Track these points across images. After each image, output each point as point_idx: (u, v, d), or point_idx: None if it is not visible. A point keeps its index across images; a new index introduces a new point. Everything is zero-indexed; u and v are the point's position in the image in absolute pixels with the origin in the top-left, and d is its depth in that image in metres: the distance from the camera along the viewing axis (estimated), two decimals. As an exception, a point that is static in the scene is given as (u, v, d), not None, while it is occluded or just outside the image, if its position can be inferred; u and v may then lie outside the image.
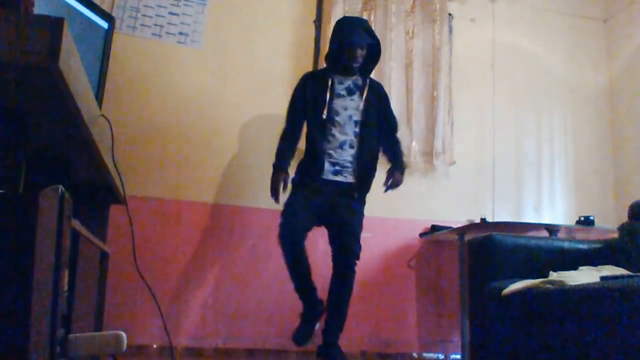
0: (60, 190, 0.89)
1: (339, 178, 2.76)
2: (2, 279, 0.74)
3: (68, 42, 0.78)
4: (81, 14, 1.58)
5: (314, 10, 3.68)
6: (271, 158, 3.26)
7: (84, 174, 1.45)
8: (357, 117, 2.81)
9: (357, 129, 2.80)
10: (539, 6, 4.16)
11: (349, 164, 2.78)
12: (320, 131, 2.77)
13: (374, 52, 2.90)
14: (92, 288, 1.61)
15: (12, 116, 0.92)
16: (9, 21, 0.74)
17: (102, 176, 1.43)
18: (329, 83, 2.81)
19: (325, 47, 3.52)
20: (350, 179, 2.78)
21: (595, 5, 4.30)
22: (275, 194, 2.75)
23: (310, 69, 3.53)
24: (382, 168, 3.67)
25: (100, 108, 1.40)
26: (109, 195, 1.72)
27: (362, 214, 2.84)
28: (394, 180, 2.85)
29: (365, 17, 3.70)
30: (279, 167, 2.77)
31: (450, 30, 3.88)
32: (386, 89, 3.62)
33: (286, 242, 2.65)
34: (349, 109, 2.81)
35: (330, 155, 2.77)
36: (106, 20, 1.72)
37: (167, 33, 3.37)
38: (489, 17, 4.03)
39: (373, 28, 3.66)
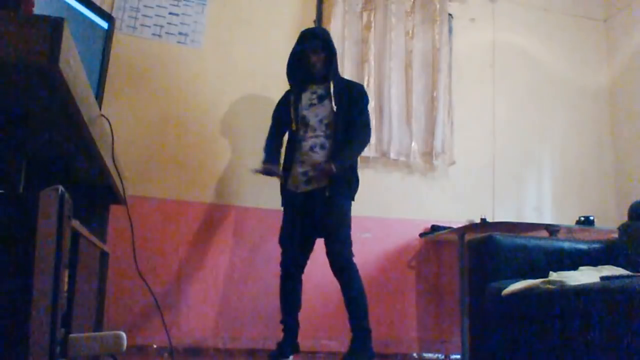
0: (60, 190, 0.89)
1: (311, 187, 2.75)
2: (3, 279, 0.74)
3: (68, 42, 0.78)
4: (81, 14, 1.58)
5: (314, 10, 3.68)
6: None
7: (84, 174, 1.45)
8: (327, 120, 2.79)
9: (328, 131, 2.78)
10: (539, 6, 4.16)
11: (320, 167, 2.73)
12: (292, 142, 2.83)
13: (331, 55, 2.89)
14: (92, 288, 1.61)
15: (12, 116, 0.92)
16: (9, 21, 0.74)
17: (102, 176, 1.43)
18: (294, 97, 2.86)
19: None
20: (323, 182, 2.73)
21: (595, 5, 4.30)
22: (267, 173, 2.79)
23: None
24: (376, 168, 3.67)
25: (100, 108, 1.40)
26: (109, 195, 1.72)
27: (343, 214, 2.73)
28: (322, 167, 2.69)
29: (364, 17, 3.71)
30: (264, 159, 2.83)
31: (450, 30, 3.88)
32: (386, 89, 3.64)
33: (284, 270, 2.78)
34: (319, 114, 2.81)
35: (301, 164, 2.77)
36: (106, 20, 1.72)
37: (167, 33, 3.37)
38: (489, 17, 4.03)
39: (373, 28, 3.68)
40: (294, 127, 2.82)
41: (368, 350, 2.61)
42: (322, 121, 2.80)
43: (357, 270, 2.68)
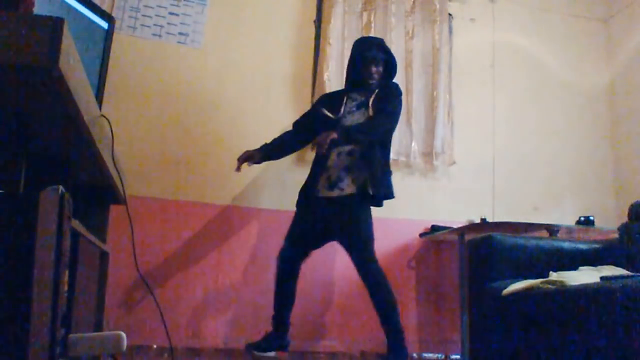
0: (60, 190, 0.89)
1: (334, 193, 2.73)
2: (2, 279, 0.74)
3: (68, 42, 0.78)
4: (81, 14, 1.58)
5: (314, 10, 3.68)
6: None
7: (84, 174, 1.45)
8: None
9: None
10: (539, 6, 4.16)
11: (344, 173, 2.73)
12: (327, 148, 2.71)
13: (390, 69, 2.91)
14: (92, 288, 1.61)
15: (12, 116, 0.92)
16: (9, 21, 0.74)
17: (102, 176, 1.43)
18: (344, 100, 2.84)
19: (325, 47, 3.53)
20: (348, 190, 2.72)
21: (595, 5, 4.30)
22: (238, 160, 2.82)
23: (310, 69, 3.53)
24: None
25: (100, 108, 1.40)
26: (109, 195, 1.72)
27: (366, 222, 2.73)
28: (320, 136, 2.61)
29: (364, 17, 3.71)
30: (260, 148, 2.87)
31: (450, 31, 3.88)
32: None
33: (281, 266, 2.79)
34: (354, 122, 2.79)
35: (327, 170, 2.77)
36: (106, 21, 1.72)
37: (167, 33, 3.37)
38: (489, 17, 4.03)
39: (373, 28, 3.68)
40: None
41: (404, 349, 2.64)
42: None
43: (383, 275, 2.67)
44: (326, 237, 2.82)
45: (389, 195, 2.80)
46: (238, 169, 2.82)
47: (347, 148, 2.75)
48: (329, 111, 2.83)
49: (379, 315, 2.67)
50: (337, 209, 2.72)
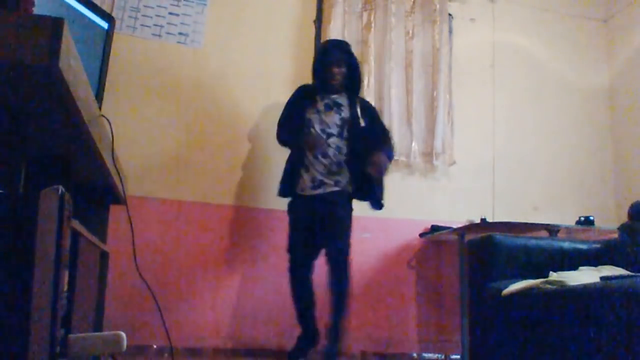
0: (60, 190, 0.89)
1: (318, 191, 2.82)
2: (2, 279, 0.74)
3: (68, 42, 0.78)
4: (81, 14, 1.58)
5: (314, 10, 3.68)
6: (271, 158, 3.27)
7: (84, 174, 1.45)
8: (336, 129, 2.87)
9: (342, 133, 2.87)
10: (539, 6, 4.16)
11: (328, 174, 2.82)
12: (300, 147, 2.87)
13: (353, 70, 2.97)
14: (92, 288, 1.61)
15: (12, 116, 0.92)
16: (9, 21, 0.74)
17: (102, 176, 1.43)
18: (315, 99, 2.93)
19: (325, 47, 3.53)
20: (330, 188, 2.82)
21: (595, 5, 4.30)
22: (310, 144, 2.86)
23: (310, 69, 3.53)
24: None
25: (100, 108, 1.40)
26: (109, 195, 1.72)
27: (348, 217, 2.86)
28: (373, 160, 2.74)
29: (365, 17, 3.71)
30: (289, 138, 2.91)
31: (450, 31, 3.88)
32: (386, 89, 3.65)
33: (294, 276, 2.83)
34: (330, 122, 2.88)
35: (307, 169, 2.84)
36: (106, 21, 1.72)
37: (167, 33, 3.37)
38: (489, 17, 4.03)
39: (373, 28, 3.68)
40: (308, 129, 2.88)
41: (338, 343, 2.74)
42: (330, 129, 2.87)
43: (349, 267, 2.77)
44: (319, 233, 2.86)
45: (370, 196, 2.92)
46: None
47: (330, 150, 2.84)
48: (304, 105, 2.93)
49: (336, 306, 2.73)
50: (321, 204, 2.81)
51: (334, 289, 2.73)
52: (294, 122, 2.92)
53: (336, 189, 2.83)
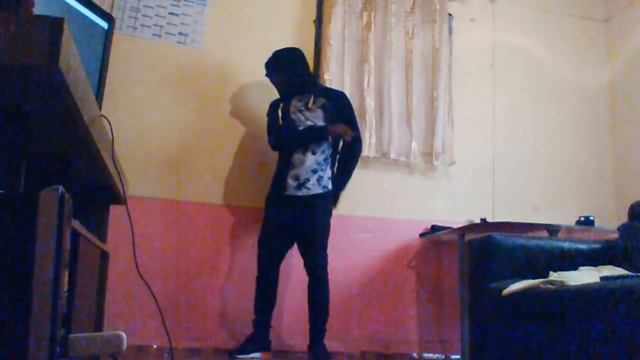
0: (60, 190, 0.89)
1: (301, 193, 2.91)
2: (2, 279, 0.74)
3: (68, 42, 0.78)
4: (81, 14, 1.58)
5: (314, 10, 3.68)
6: (270, 158, 3.27)
7: (84, 174, 1.45)
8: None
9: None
10: (539, 6, 4.16)
11: (311, 173, 2.93)
12: (285, 148, 3.01)
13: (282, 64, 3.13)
14: (92, 288, 1.61)
15: (12, 116, 0.92)
16: (9, 21, 0.74)
17: (102, 176, 1.43)
18: (282, 105, 3.09)
19: (325, 47, 3.54)
20: (313, 190, 2.92)
21: (595, 5, 4.30)
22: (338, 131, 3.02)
23: (310, 69, 3.53)
24: (376, 168, 3.68)
25: (100, 108, 1.40)
26: (109, 195, 1.71)
27: (327, 223, 2.96)
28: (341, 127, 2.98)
29: (365, 17, 3.71)
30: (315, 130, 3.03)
31: (450, 31, 3.88)
32: (386, 89, 3.64)
33: (261, 270, 2.93)
34: (309, 120, 3.02)
35: (293, 167, 2.95)
36: (106, 21, 1.73)
37: (167, 33, 3.37)
38: (489, 17, 4.03)
39: (373, 28, 3.69)
40: (286, 130, 3.02)
41: (325, 347, 2.87)
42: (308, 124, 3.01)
43: (326, 280, 2.91)
44: (293, 235, 2.97)
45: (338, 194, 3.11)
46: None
47: (315, 149, 2.95)
48: (275, 114, 3.11)
49: (318, 310, 2.87)
50: (303, 208, 2.90)
51: (315, 300, 2.88)
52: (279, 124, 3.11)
53: (318, 191, 2.93)
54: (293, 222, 2.92)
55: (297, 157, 2.95)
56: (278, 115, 3.09)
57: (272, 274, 2.94)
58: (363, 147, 3.29)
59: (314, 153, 2.95)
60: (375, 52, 3.67)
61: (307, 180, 2.92)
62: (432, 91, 3.73)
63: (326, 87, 3.26)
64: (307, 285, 2.92)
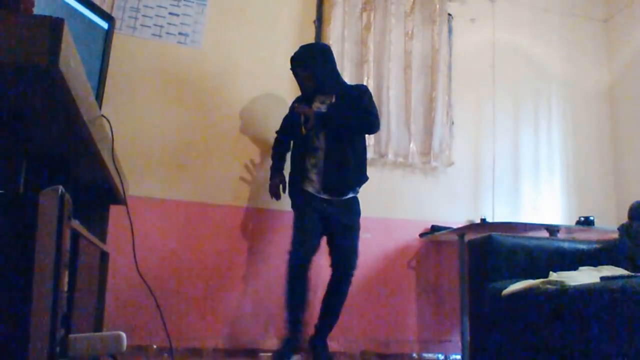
0: (60, 190, 0.89)
1: (328, 196, 2.86)
2: (2, 279, 0.74)
3: (68, 42, 0.78)
4: (81, 14, 1.58)
5: (314, 10, 3.68)
6: (270, 158, 3.26)
7: (84, 174, 1.45)
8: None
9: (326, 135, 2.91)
10: (539, 6, 4.16)
11: (335, 175, 2.86)
12: (301, 147, 2.95)
13: (312, 62, 3.00)
14: (92, 288, 1.61)
15: (12, 117, 0.92)
16: (9, 21, 0.74)
17: (102, 176, 1.43)
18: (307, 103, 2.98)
19: (325, 47, 3.53)
20: (345, 194, 2.89)
21: (595, 5, 4.30)
22: (275, 197, 3.04)
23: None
24: (376, 168, 3.67)
25: (100, 108, 1.40)
26: (109, 195, 1.71)
27: (357, 223, 2.93)
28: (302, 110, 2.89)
29: (364, 18, 3.71)
30: (273, 173, 3.07)
31: (450, 31, 3.88)
32: (385, 90, 3.64)
33: (294, 268, 2.78)
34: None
35: (315, 166, 2.88)
36: (106, 21, 1.72)
37: (167, 33, 3.37)
38: (489, 17, 4.03)
39: (372, 29, 3.68)
40: (303, 131, 2.89)
41: (327, 347, 2.86)
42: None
43: (350, 284, 2.88)
44: (326, 231, 2.90)
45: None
46: (279, 197, 3.03)
47: (332, 147, 2.87)
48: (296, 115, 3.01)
49: (335, 309, 2.84)
50: (336, 209, 2.86)
51: (334, 298, 2.84)
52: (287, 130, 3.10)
53: (350, 195, 2.91)
54: (326, 220, 2.86)
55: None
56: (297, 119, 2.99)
57: (306, 271, 2.84)
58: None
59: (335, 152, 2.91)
60: (375, 53, 3.67)
61: (334, 182, 2.88)
62: (431, 92, 3.73)
63: (350, 85, 3.14)
64: (330, 282, 2.87)
